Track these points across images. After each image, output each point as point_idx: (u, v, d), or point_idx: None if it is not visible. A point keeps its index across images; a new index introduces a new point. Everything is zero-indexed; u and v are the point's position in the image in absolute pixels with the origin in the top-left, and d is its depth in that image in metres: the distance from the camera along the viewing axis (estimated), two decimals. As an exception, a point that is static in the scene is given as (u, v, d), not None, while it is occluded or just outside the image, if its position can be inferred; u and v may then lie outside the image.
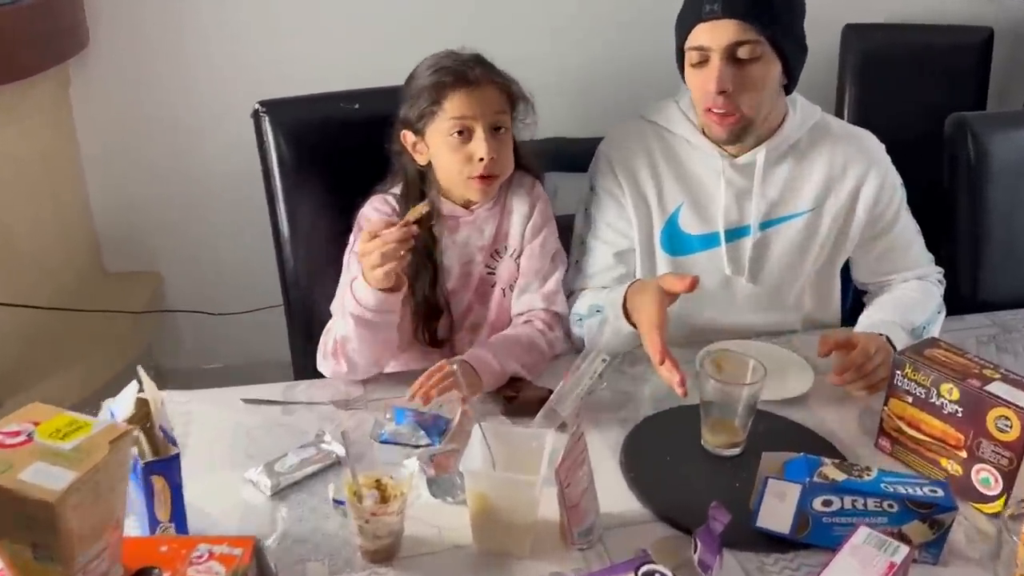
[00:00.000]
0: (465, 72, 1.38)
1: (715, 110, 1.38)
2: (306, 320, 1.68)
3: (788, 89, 1.44)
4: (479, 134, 1.37)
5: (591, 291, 1.52)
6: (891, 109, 2.42)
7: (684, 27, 1.38)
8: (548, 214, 1.52)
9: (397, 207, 1.47)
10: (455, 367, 1.28)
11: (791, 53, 1.37)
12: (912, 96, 2.46)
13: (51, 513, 0.68)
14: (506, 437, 1.10)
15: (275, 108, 1.64)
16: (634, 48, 2.51)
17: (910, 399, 1.19)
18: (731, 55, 1.34)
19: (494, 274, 1.51)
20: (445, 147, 1.40)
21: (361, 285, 1.30)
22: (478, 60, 1.41)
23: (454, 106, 1.37)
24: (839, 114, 2.48)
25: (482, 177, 1.39)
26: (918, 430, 1.19)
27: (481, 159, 1.37)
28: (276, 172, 1.65)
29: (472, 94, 1.37)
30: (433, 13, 2.43)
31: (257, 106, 1.64)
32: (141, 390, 0.98)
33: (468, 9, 2.45)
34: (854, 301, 1.69)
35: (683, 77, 1.44)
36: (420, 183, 1.47)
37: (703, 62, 1.37)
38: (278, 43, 2.41)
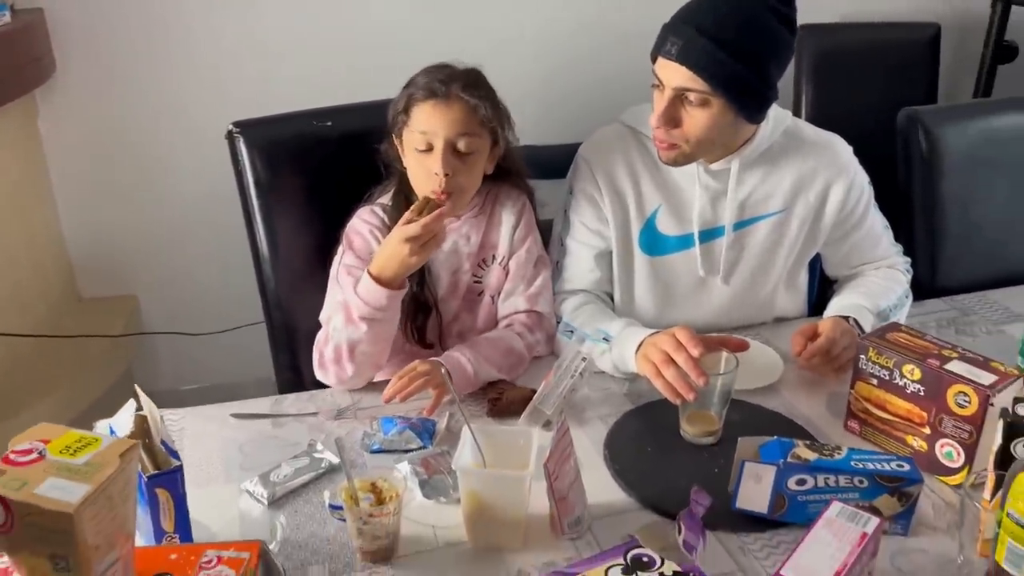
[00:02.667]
0: (435, 87, 1.41)
1: (655, 137, 1.43)
2: (288, 336, 1.71)
3: (752, 121, 1.44)
4: (438, 148, 1.40)
5: (579, 297, 1.56)
6: (846, 105, 2.51)
7: (654, 49, 1.41)
8: (532, 223, 1.58)
9: (386, 218, 1.51)
10: (427, 367, 1.33)
11: (747, 103, 1.38)
12: (866, 92, 2.55)
13: (69, 524, 0.72)
14: (494, 436, 1.14)
15: (249, 128, 1.67)
16: (603, 58, 2.59)
17: (875, 381, 1.26)
18: (680, 95, 1.38)
19: (481, 282, 1.55)
20: (411, 158, 1.44)
21: (369, 288, 1.35)
22: (464, 75, 1.43)
23: (419, 119, 1.41)
24: (797, 112, 2.57)
25: (437, 193, 1.41)
26: (884, 410, 1.26)
27: (436, 174, 1.39)
28: (252, 191, 1.68)
29: (437, 108, 1.40)
30: (397, 25, 2.47)
31: (231, 127, 1.67)
32: (139, 408, 1.01)
33: (433, 21, 2.49)
34: (820, 291, 1.76)
35: None
36: (409, 189, 1.50)
37: (659, 89, 1.41)
38: (248, 65, 2.44)
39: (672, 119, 1.39)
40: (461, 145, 1.41)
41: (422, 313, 1.52)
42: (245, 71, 2.44)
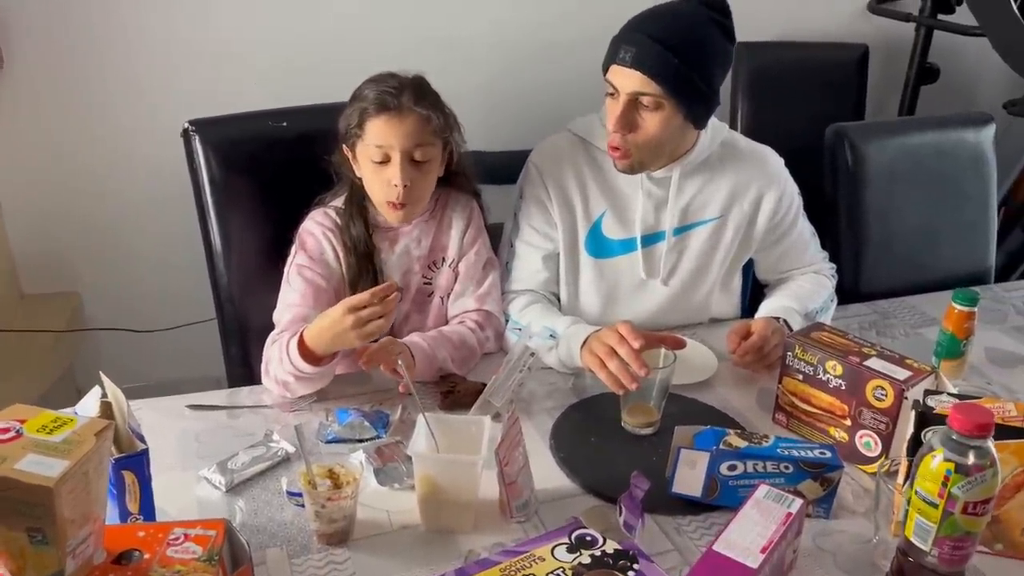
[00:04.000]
0: (387, 101, 1.43)
1: (611, 145, 1.51)
2: (240, 332, 1.74)
3: (698, 126, 1.54)
4: (395, 161, 1.44)
5: (526, 297, 1.62)
6: (780, 120, 2.62)
7: (606, 60, 1.50)
8: (481, 226, 1.64)
9: (339, 220, 1.55)
10: (400, 347, 1.38)
11: (695, 105, 1.47)
12: (798, 108, 2.68)
13: (48, 498, 0.75)
14: (448, 425, 1.20)
15: (205, 127, 1.70)
16: (551, 66, 2.66)
17: (800, 376, 1.35)
18: (634, 100, 1.46)
19: (431, 284, 1.61)
20: (367, 169, 1.49)
21: (296, 357, 1.35)
22: (412, 86, 1.46)
23: (373, 133, 1.45)
24: (733, 125, 2.67)
25: (394, 204, 1.47)
26: (808, 404, 1.35)
27: (396, 185, 1.44)
28: (207, 189, 1.70)
29: (391, 122, 1.43)
30: (349, 34, 2.51)
31: (187, 125, 1.70)
32: (104, 395, 1.04)
33: (382, 29, 2.54)
34: (753, 294, 1.86)
35: None
36: (362, 196, 1.55)
37: (614, 97, 1.49)
38: (200, 64, 2.45)
39: (628, 124, 1.47)
40: (417, 155, 1.46)
41: None
42: (194, 70, 2.45)
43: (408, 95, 1.45)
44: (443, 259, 1.61)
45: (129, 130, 2.47)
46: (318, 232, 1.55)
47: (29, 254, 2.56)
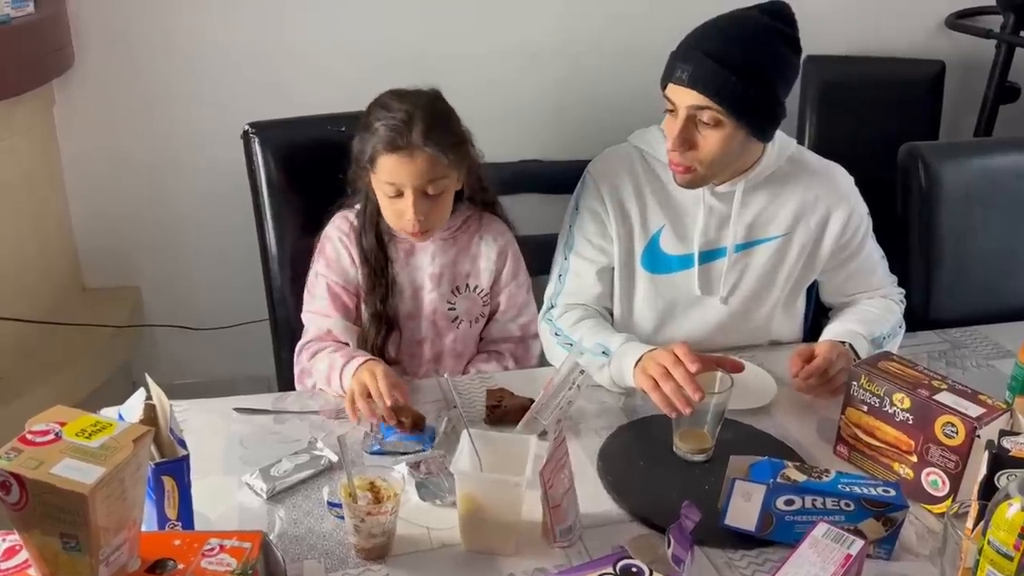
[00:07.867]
0: (396, 140, 1.41)
1: (671, 161, 1.47)
2: (292, 333, 1.74)
3: (763, 140, 1.49)
4: (408, 196, 1.44)
5: (578, 311, 1.58)
6: (849, 137, 2.54)
7: (664, 76, 1.45)
8: (518, 254, 1.64)
9: (355, 222, 1.56)
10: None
11: (758, 120, 1.42)
12: (869, 125, 2.59)
13: (83, 504, 0.74)
14: (492, 442, 1.17)
15: (264, 129, 1.72)
16: (609, 76, 2.62)
17: (865, 408, 1.29)
18: (693, 117, 1.41)
19: (454, 309, 1.60)
20: (382, 197, 1.49)
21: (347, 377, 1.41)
22: (422, 117, 1.41)
23: (384, 170, 1.44)
24: (801, 140, 2.59)
25: (412, 233, 1.48)
26: (873, 437, 1.29)
27: (410, 219, 1.45)
28: (264, 190, 1.72)
29: (401, 162, 1.41)
30: (412, 39, 2.51)
31: (247, 127, 1.71)
32: (149, 397, 1.03)
33: (446, 35, 2.52)
34: (815, 318, 1.79)
35: None
36: (376, 209, 1.53)
37: (673, 113, 1.44)
38: (263, 67, 2.47)
39: (687, 141, 1.42)
40: (430, 190, 1.45)
41: (385, 331, 1.56)
42: (259, 73, 2.47)
43: (418, 130, 1.41)
44: (468, 285, 1.60)
45: (192, 130, 2.50)
46: (335, 237, 1.57)
47: (92, 249, 2.61)
